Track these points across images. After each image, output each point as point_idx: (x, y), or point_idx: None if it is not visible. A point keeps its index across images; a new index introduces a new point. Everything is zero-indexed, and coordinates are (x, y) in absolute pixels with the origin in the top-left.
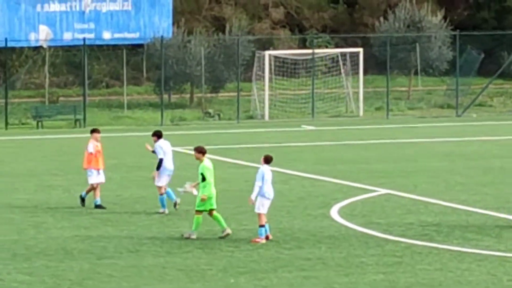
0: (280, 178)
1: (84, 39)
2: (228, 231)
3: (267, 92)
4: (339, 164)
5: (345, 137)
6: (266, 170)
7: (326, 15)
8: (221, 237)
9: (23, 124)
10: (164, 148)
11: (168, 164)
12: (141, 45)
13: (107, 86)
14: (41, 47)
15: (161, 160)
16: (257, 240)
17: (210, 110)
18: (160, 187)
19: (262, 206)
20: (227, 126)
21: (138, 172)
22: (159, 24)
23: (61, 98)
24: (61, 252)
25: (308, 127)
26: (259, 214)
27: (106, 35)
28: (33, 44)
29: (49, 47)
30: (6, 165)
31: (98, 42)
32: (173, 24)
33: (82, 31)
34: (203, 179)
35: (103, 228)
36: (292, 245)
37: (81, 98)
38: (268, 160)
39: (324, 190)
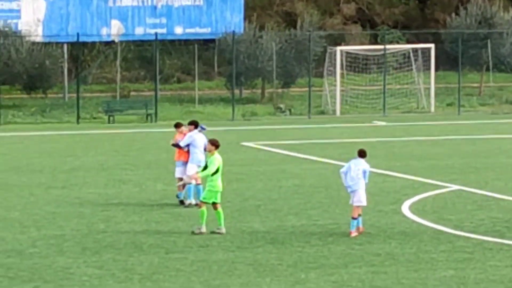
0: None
1: (156, 34)
2: (223, 231)
3: (338, 88)
4: (410, 160)
5: (416, 133)
6: (351, 163)
7: (397, 11)
8: (212, 232)
9: (94, 118)
10: (197, 140)
11: (201, 156)
12: (212, 40)
13: (179, 81)
14: (113, 41)
15: (178, 145)
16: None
17: (282, 105)
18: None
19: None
20: (298, 121)
21: None
22: (231, 19)
23: (132, 93)
24: (130, 246)
25: (379, 122)
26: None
27: (178, 30)
28: (105, 38)
29: (121, 41)
30: (78, 159)
31: (169, 37)
32: (245, 19)
33: (154, 26)
34: (205, 168)
35: (174, 223)
36: (363, 241)
37: (152, 93)
38: (361, 154)
39: (395, 186)
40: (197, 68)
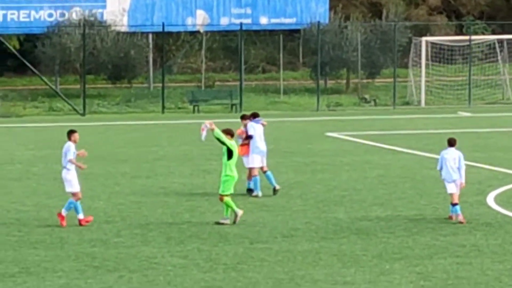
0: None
1: (241, 24)
2: (228, 222)
3: (423, 79)
4: (495, 151)
5: (501, 124)
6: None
7: (482, 1)
8: (217, 222)
9: (179, 108)
10: (256, 129)
11: (261, 145)
12: (297, 31)
13: (263, 71)
14: (197, 31)
15: (251, 136)
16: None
17: (366, 96)
18: (252, 169)
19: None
20: (383, 112)
21: (293, 158)
22: (316, 10)
23: (217, 83)
24: (215, 236)
25: (464, 113)
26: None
27: (263, 20)
28: (190, 28)
29: (206, 32)
30: (162, 149)
31: (254, 27)
32: (330, 9)
33: (239, 16)
34: (222, 142)
35: (258, 213)
36: (448, 232)
37: (237, 83)
38: (452, 143)
39: (479, 177)
40: (282, 58)
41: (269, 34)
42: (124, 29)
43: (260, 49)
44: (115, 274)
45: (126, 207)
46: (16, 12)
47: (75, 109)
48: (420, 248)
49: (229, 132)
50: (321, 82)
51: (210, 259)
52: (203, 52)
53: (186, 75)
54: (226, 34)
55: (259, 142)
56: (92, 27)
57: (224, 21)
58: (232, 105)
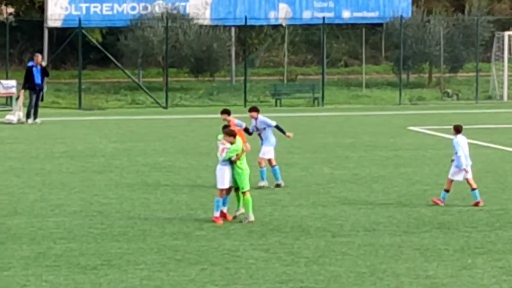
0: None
1: (323, 18)
2: (241, 211)
3: (506, 73)
4: None
5: None
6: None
7: None
8: (234, 217)
9: (261, 101)
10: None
11: (272, 138)
12: (380, 24)
13: (346, 65)
14: (280, 25)
15: (278, 126)
16: (437, 201)
17: (449, 90)
18: (263, 160)
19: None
20: (465, 106)
21: (375, 151)
22: (398, 4)
23: (299, 77)
24: (297, 230)
25: None
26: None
27: (346, 14)
28: (272, 22)
29: (288, 25)
30: None
31: (337, 21)
32: (412, 3)
33: (322, 9)
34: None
35: (340, 206)
36: None
37: (319, 77)
38: (459, 129)
39: None
40: (364, 52)
41: (352, 28)
42: (206, 22)
43: (343, 43)
44: (197, 267)
45: (208, 200)
46: (99, 5)
47: (157, 102)
48: (503, 243)
49: (232, 134)
50: (404, 76)
51: (292, 252)
52: (285, 45)
53: (268, 69)
54: (308, 27)
55: (271, 134)
56: (175, 20)
57: (306, 15)
58: (314, 99)
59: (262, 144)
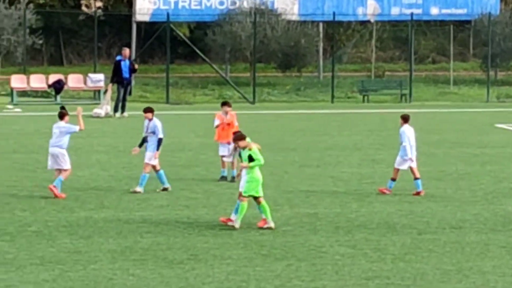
0: None
1: (411, 14)
2: (271, 224)
3: None
4: None
5: None
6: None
7: None
8: (260, 227)
9: (349, 97)
10: None
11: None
12: (468, 21)
13: (433, 62)
14: (368, 21)
15: (161, 140)
16: (384, 190)
17: None
18: (148, 166)
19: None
20: None
21: (462, 148)
22: (487, 1)
23: (387, 73)
24: (383, 226)
25: None
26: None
27: (434, 11)
28: (360, 18)
29: (376, 21)
30: (332, 138)
31: (425, 18)
32: (501, 1)
33: (410, 6)
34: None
35: (426, 203)
36: None
37: (407, 73)
38: (406, 119)
39: None
40: (452, 49)
41: (440, 24)
42: (294, 17)
43: (430, 40)
44: (283, 262)
45: (295, 196)
46: (187, 0)
47: (245, 97)
48: None
49: (242, 137)
50: (491, 73)
51: (378, 249)
52: (373, 42)
53: (356, 65)
54: (396, 24)
55: None
56: (263, 15)
57: (394, 11)
58: (402, 95)
59: (147, 148)
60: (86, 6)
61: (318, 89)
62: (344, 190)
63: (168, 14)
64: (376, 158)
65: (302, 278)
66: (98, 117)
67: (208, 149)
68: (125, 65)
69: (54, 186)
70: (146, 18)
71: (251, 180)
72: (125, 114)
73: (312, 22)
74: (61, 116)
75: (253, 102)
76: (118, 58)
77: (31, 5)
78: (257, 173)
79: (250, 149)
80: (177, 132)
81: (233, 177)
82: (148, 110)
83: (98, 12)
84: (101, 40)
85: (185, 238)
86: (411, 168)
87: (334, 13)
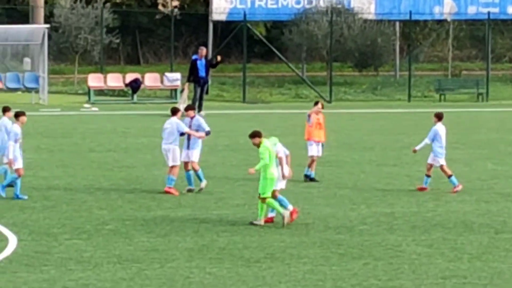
0: None
1: (488, 13)
2: (260, 222)
3: None
4: None
5: None
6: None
7: None
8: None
9: (425, 97)
10: None
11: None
12: None
13: (510, 61)
14: (445, 20)
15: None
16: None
17: None
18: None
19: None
20: None
21: None
22: None
23: (463, 72)
24: (460, 226)
25: None
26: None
27: (511, 10)
28: (437, 17)
29: (453, 20)
30: (408, 137)
31: (502, 17)
32: None
33: (487, 5)
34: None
35: (504, 203)
36: None
37: (484, 72)
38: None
39: None
40: None
41: None
42: (371, 17)
43: (508, 39)
44: (360, 261)
45: (372, 195)
46: None
47: (321, 96)
48: None
49: (256, 135)
50: None
51: (455, 248)
52: (449, 41)
53: (432, 64)
54: (473, 23)
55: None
56: (339, 14)
57: (471, 10)
58: (479, 94)
59: (190, 146)
60: (163, 5)
61: (394, 88)
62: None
63: (244, 13)
64: (453, 157)
65: (379, 277)
66: None
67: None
68: (201, 64)
69: (169, 188)
70: (223, 17)
71: (263, 180)
72: (202, 113)
73: (389, 21)
74: (174, 112)
75: (329, 101)
76: (194, 57)
77: (108, 4)
78: (269, 171)
79: (259, 148)
80: None
81: (306, 175)
82: (189, 108)
83: (174, 11)
84: (178, 39)
85: (261, 237)
86: (441, 166)
87: (410, 12)
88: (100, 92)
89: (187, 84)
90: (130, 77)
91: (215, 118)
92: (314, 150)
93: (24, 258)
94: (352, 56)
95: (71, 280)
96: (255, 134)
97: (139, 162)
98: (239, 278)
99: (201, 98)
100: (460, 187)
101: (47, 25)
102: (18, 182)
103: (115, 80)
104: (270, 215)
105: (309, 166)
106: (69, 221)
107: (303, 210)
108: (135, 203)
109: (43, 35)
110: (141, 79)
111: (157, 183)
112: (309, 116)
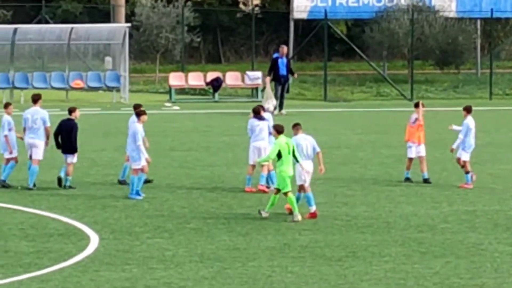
0: None
1: None
2: (298, 218)
3: None
4: None
5: None
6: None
7: None
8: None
9: (506, 95)
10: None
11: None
12: None
13: None
14: None
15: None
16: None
17: None
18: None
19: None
20: None
21: None
22: None
23: None
24: None
25: None
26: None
27: None
28: None
29: None
30: (489, 135)
31: None
32: None
33: None
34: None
35: None
36: None
37: None
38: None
39: None
40: None
41: None
42: (452, 14)
43: None
44: (441, 259)
45: (453, 193)
46: None
47: (402, 95)
48: None
49: (275, 128)
50: None
51: None
52: None
53: None
54: None
55: None
56: (421, 12)
57: None
58: None
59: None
60: (244, 3)
61: (476, 86)
62: (502, 188)
63: (325, 12)
64: None
65: (460, 275)
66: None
67: (366, 146)
68: (282, 62)
69: (261, 185)
70: (304, 16)
71: (278, 176)
72: (283, 111)
73: (470, 19)
74: (258, 111)
75: (411, 99)
76: (275, 55)
77: (189, 3)
78: (281, 168)
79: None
80: (335, 130)
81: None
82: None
83: (255, 10)
84: (259, 37)
85: (343, 235)
86: (464, 162)
87: (492, 10)
88: (181, 91)
89: (268, 78)
90: (211, 75)
91: (296, 117)
92: (414, 152)
93: (106, 257)
94: (433, 54)
95: (153, 279)
96: (274, 127)
97: (221, 161)
98: (321, 277)
99: (282, 97)
100: (470, 186)
101: (128, 24)
102: (136, 180)
103: (196, 79)
104: (312, 209)
105: (408, 168)
106: (150, 219)
107: (384, 209)
108: (216, 202)
109: (124, 34)
110: (222, 78)
111: (238, 182)
112: (416, 119)
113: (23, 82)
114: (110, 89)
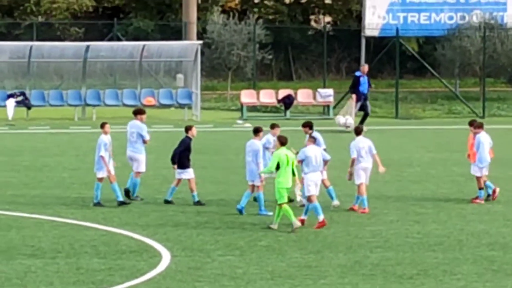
0: None
1: None
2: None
3: None
4: None
5: None
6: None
7: None
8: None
9: None
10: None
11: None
12: None
13: None
14: None
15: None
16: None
17: None
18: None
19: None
20: None
21: None
22: None
23: None
24: None
25: None
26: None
27: None
28: None
29: None
30: None
31: None
32: None
33: None
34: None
35: None
36: None
37: None
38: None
39: None
40: None
41: None
42: None
43: None
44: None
45: None
46: (416, 14)
47: (474, 112)
48: None
49: (279, 139)
50: None
51: None
52: None
53: None
54: None
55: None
56: (492, 29)
57: None
58: None
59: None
60: (315, 21)
61: None
62: None
63: (397, 29)
64: None
65: None
66: (344, 126)
67: (438, 164)
68: (363, 81)
69: (354, 205)
70: (375, 33)
71: (275, 187)
72: (365, 128)
73: None
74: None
75: (483, 117)
76: (357, 73)
77: (261, 21)
78: (278, 180)
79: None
80: (406, 147)
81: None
82: (275, 126)
83: (327, 27)
84: (330, 55)
85: (414, 253)
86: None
87: None
88: (253, 108)
89: (353, 95)
90: (282, 93)
91: (367, 134)
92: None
93: (177, 274)
94: (505, 71)
95: None
96: (278, 138)
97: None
98: None
99: (366, 114)
100: (482, 201)
101: (200, 42)
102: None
103: (267, 96)
104: (320, 217)
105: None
106: (222, 237)
107: (455, 227)
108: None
109: (196, 51)
110: (293, 95)
111: None
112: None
113: (95, 99)
114: (182, 106)
